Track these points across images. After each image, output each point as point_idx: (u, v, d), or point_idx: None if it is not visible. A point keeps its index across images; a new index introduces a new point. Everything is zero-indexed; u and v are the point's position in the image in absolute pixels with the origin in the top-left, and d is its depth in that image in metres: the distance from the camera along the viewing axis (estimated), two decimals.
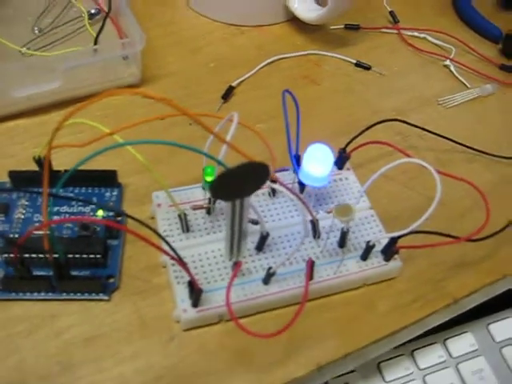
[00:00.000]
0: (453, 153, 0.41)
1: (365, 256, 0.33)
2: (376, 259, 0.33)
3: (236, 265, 0.30)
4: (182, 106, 0.26)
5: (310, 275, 0.31)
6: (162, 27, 0.50)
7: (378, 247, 0.33)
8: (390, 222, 0.35)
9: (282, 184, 0.31)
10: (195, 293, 0.29)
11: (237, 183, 0.24)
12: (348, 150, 0.37)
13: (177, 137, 0.39)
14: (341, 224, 0.32)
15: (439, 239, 0.32)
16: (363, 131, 0.37)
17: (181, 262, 0.28)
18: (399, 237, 0.31)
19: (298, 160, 0.35)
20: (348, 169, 0.38)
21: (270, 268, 0.30)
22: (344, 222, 0.30)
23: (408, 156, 0.35)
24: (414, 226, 0.29)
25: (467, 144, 0.41)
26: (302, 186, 0.35)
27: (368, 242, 0.32)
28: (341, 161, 0.37)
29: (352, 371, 0.37)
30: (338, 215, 0.29)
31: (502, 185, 0.40)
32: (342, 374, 0.37)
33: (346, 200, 0.36)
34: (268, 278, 0.31)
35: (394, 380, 0.38)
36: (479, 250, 0.35)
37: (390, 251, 0.32)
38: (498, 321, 0.41)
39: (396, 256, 0.33)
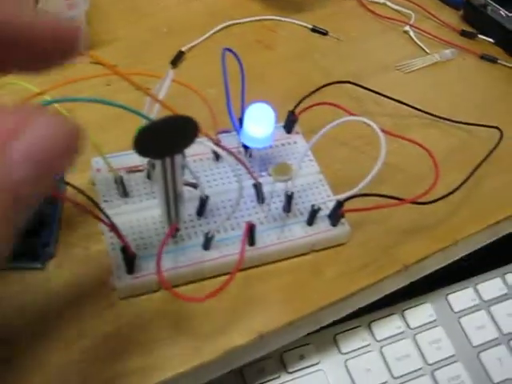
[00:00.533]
0: (410, 118, 0.40)
1: (310, 221, 0.31)
2: (323, 224, 0.32)
3: (170, 229, 0.28)
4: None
5: (251, 240, 0.29)
6: None
7: (326, 212, 0.32)
8: (340, 186, 0.34)
9: (218, 145, 0.29)
10: (129, 258, 0.28)
11: (163, 138, 0.23)
12: (297, 112, 0.36)
13: (122, 102, 0.38)
14: (287, 187, 0.31)
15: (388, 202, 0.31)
16: (313, 92, 0.36)
17: (112, 226, 0.26)
18: (345, 200, 0.30)
19: (242, 123, 0.33)
20: (297, 132, 0.36)
21: (207, 233, 0.29)
22: (282, 182, 0.29)
23: (354, 115, 0.34)
24: (358, 188, 0.28)
25: (424, 109, 0.40)
26: (246, 148, 0.34)
27: (313, 205, 0.31)
28: (289, 124, 0.36)
29: (307, 344, 0.37)
30: (276, 175, 0.28)
31: (457, 150, 0.39)
32: (297, 347, 0.36)
33: (293, 164, 0.34)
34: (207, 243, 0.29)
35: (350, 352, 0.37)
36: (431, 216, 0.34)
37: (335, 215, 0.31)
38: (456, 291, 0.41)
39: (343, 221, 0.32)
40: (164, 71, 0.41)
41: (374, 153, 0.36)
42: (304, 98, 0.35)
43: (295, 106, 0.35)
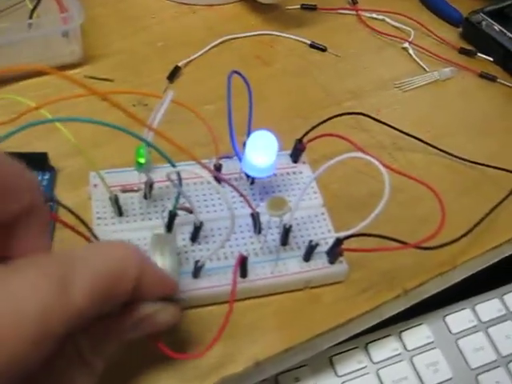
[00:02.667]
0: (418, 151, 0.39)
1: (307, 256, 0.30)
2: (320, 261, 0.31)
3: None
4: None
5: (242, 272, 0.29)
6: (109, 5, 0.47)
7: (324, 247, 0.31)
8: (339, 209, 0.33)
9: (212, 173, 0.28)
10: None
11: None
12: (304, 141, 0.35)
13: (116, 118, 0.37)
14: (284, 220, 0.30)
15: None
16: (323, 122, 0.35)
17: None
18: (344, 238, 0.29)
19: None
20: (304, 162, 0.35)
21: (197, 261, 0.28)
22: (276, 217, 0.27)
23: (363, 151, 0.33)
24: (359, 227, 0.27)
25: (421, 132, 0.39)
26: (248, 175, 0.33)
27: (310, 241, 0.30)
28: (296, 153, 0.35)
29: (303, 365, 0.36)
30: (271, 209, 0.26)
31: (466, 190, 0.38)
32: (293, 369, 0.36)
33: (296, 195, 0.33)
34: (197, 272, 0.29)
35: (346, 374, 0.37)
36: (433, 241, 0.33)
37: (334, 253, 0.30)
38: (454, 312, 0.40)
39: (342, 259, 0.31)
40: (161, 87, 0.41)
41: (374, 173, 0.36)
42: (313, 128, 0.35)
43: (303, 135, 0.35)
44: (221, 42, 0.45)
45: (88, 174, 0.33)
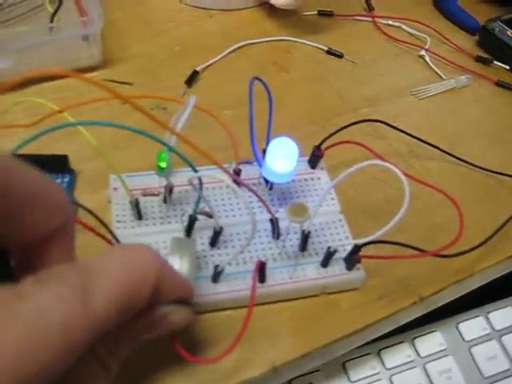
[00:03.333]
0: (437, 159, 0.39)
1: (325, 262, 0.30)
2: (338, 267, 0.31)
3: None
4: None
5: (261, 277, 0.29)
6: (128, 9, 0.48)
7: (342, 254, 0.31)
8: (355, 215, 0.33)
9: (233, 178, 0.29)
10: None
11: None
12: (322, 148, 0.35)
13: (136, 122, 0.37)
14: (303, 226, 0.30)
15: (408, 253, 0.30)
16: (341, 129, 0.35)
17: None
18: (362, 245, 0.29)
19: (265, 154, 0.32)
20: (322, 168, 0.36)
21: (217, 265, 0.28)
22: (296, 223, 0.28)
23: (381, 158, 0.33)
24: (377, 235, 0.27)
25: (438, 140, 0.39)
26: (267, 181, 0.33)
27: (329, 247, 0.30)
28: (314, 159, 0.35)
29: (316, 370, 0.36)
30: (291, 215, 0.27)
31: (484, 198, 0.38)
32: (306, 374, 0.36)
33: (314, 201, 0.33)
34: (216, 276, 0.29)
35: (359, 380, 0.37)
36: (450, 249, 0.33)
37: (352, 259, 0.30)
38: (467, 320, 0.40)
39: (359, 266, 0.31)
40: (179, 91, 0.41)
41: (391, 180, 0.36)
42: (331, 135, 0.35)
43: (321, 143, 0.35)
44: (238, 48, 0.45)
45: (107, 177, 0.33)
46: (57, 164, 0.34)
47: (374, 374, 0.37)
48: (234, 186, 0.25)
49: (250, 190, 0.28)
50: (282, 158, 0.29)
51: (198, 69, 0.43)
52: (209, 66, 0.44)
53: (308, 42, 0.47)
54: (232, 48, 0.45)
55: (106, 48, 0.43)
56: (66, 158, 0.34)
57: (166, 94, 0.40)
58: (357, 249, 0.30)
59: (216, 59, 0.44)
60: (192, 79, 0.42)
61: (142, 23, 0.47)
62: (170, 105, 0.39)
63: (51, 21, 0.40)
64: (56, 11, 0.41)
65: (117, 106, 0.38)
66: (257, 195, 0.29)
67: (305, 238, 0.30)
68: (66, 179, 0.34)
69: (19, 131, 0.31)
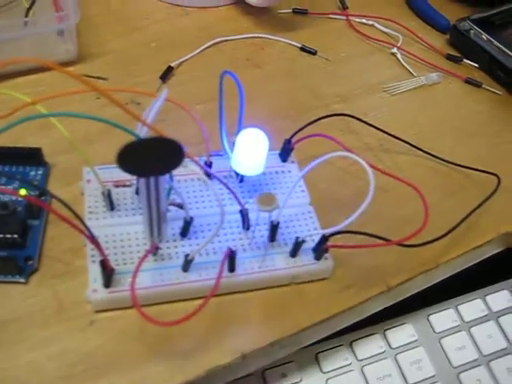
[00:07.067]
0: (405, 153, 0.40)
1: (294, 252, 0.31)
2: (306, 257, 0.31)
3: (150, 247, 0.28)
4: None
5: (231, 266, 0.29)
6: (104, 5, 0.48)
7: (311, 245, 0.32)
8: (325, 208, 0.34)
9: (201, 168, 0.29)
10: (106, 272, 0.28)
11: (147, 158, 0.22)
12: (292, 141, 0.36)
13: (110, 116, 0.38)
14: (272, 216, 0.30)
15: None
16: (311, 123, 0.36)
17: (92, 238, 0.26)
18: (330, 235, 0.30)
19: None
20: (292, 161, 0.36)
21: (187, 255, 0.29)
22: (266, 212, 0.28)
23: (350, 152, 0.34)
24: (343, 225, 0.28)
25: (408, 135, 0.40)
26: (238, 174, 0.33)
27: (297, 237, 0.31)
28: (285, 152, 0.36)
29: (289, 362, 0.37)
30: (261, 204, 0.27)
31: (449, 192, 0.39)
32: (279, 365, 0.36)
33: (284, 193, 0.33)
34: (186, 265, 0.29)
35: (331, 371, 0.37)
36: (415, 239, 0.34)
37: (320, 249, 0.31)
38: (438, 312, 0.41)
39: (327, 255, 0.32)
40: (153, 86, 0.42)
41: (361, 174, 0.37)
42: (302, 129, 0.35)
43: (292, 135, 0.35)
44: (213, 44, 0.46)
45: (81, 170, 0.33)
46: (31, 157, 0.34)
47: (346, 365, 0.38)
48: (205, 177, 0.26)
49: (220, 181, 0.29)
50: (251, 148, 0.30)
51: (172, 64, 0.43)
52: (184, 61, 0.44)
53: (282, 39, 0.47)
54: (207, 45, 0.46)
55: (81, 43, 0.43)
56: (40, 151, 0.34)
57: (140, 88, 0.41)
58: (324, 239, 0.30)
59: (191, 55, 0.45)
60: (166, 75, 0.42)
61: (119, 19, 0.47)
62: (145, 99, 0.39)
63: (26, 15, 0.41)
64: (31, 6, 0.41)
65: (91, 100, 0.38)
66: (227, 187, 0.29)
67: (273, 228, 0.31)
68: (40, 172, 0.34)
69: None
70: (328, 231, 0.30)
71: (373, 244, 0.30)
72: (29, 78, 0.40)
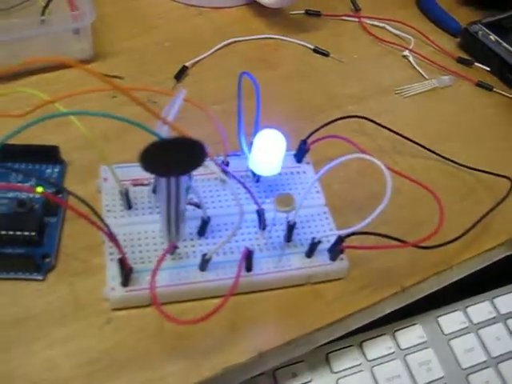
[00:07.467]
0: (420, 156, 0.40)
1: (309, 253, 0.31)
2: (322, 257, 0.32)
3: (168, 247, 0.29)
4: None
5: (248, 266, 0.30)
6: (119, 4, 0.48)
7: (326, 245, 0.32)
8: (340, 208, 0.34)
9: (223, 169, 0.29)
10: (125, 271, 0.28)
11: (169, 157, 0.23)
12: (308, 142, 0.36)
13: (127, 115, 0.38)
14: (289, 217, 0.31)
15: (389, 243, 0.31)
16: (326, 124, 0.36)
17: (111, 236, 0.26)
18: (346, 236, 0.30)
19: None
20: (307, 162, 0.36)
21: (205, 254, 0.29)
22: (284, 213, 0.29)
23: (366, 153, 0.34)
24: (359, 226, 0.28)
25: (420, 137, 0.40)
26: (254, 174, 0.34)
27: (313, 238, 0.31)
28: (300, 153, 0.36)
29: (300, 361, 0.37)
30: (278, 205, 0.28)
31: (464, 195, 0.39)
32: (290, 364, 0.37)
33: (300, 194, 0.34)
34: (204, 265, 0.29)
35: (341, 371, 0.37)
36: (429, 241, 0.34)
37: (335, 250, 0.31)
38: (447, 313, 0.41)
39: (343, 256, 0.32)
40: (168, 86, 0.42)
41: (375, 175, 0.37)
42: (317, 130, 0.36)
43: (308, 136, 0.36)
44: (227, 44, 0.46)
45: (97, 168, 0.34)
46: (48, 154, 0.34)
47: (355, 366, 0.38)
48: (224, 176, 0.26)
49: (238, 181, 0.29)
50: (269, 149, 0.30)
51: (187, 64, 0.43)
52: (198, 61, 0.44)
53: (295, 41, 0.48)
54: (221, 45, 0.46)
55: (96, 42, 0.43)
56: (57, 149, 0.34)
57: (157, 88, 0.41)
58: (340, 240, 0.30)
59: (205, 55, 0.45)
60: (181, 74, 0.42)
61: (133, 18, 0.47)
62: (161, 98, 0.39)
63: (42, 14, 0.41)
64: (47, 4, 0.42)
65: (107, 99, 0.38)
66: (244, 186, 0.30)
67: (290, 228, 0.31)
68: (57, 169, 0.34)
69: (10, 121, 0.31)
70: (343, 232, 0.30)
71: (389, 245, 0.30)
72: (43, 76, 0.40)
